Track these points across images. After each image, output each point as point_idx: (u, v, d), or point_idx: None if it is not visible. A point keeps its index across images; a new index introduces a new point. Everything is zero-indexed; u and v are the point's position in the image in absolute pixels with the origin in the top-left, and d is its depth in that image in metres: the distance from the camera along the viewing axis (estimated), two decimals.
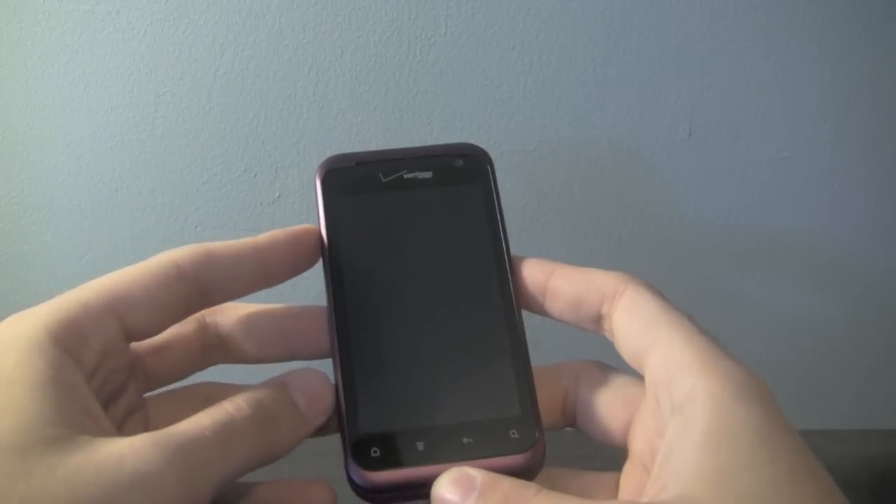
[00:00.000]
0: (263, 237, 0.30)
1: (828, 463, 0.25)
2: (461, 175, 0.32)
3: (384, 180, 0.32)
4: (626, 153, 0.55)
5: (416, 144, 0.53)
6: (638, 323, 0.28)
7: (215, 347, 0.32)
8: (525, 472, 0.28)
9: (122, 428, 0.29)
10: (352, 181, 0.32)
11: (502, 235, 0.32)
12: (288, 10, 0.50)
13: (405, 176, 0.32)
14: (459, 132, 0.53)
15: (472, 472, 0.26)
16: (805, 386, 0.62)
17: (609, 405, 0.30)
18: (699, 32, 0.51)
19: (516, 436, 0.28)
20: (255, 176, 0.55)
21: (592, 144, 0.54)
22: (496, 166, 0.33)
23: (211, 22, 0.51)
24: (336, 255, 0.31)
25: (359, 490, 0.28)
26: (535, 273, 0.31)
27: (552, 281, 0.30)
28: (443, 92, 0.53)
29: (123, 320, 0.28)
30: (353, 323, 0.30)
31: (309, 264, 0.32)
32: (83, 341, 0.26)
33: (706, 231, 0.57)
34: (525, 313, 0.31)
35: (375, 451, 0.28)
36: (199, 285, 0.29)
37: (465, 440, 0.28)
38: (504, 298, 0.31)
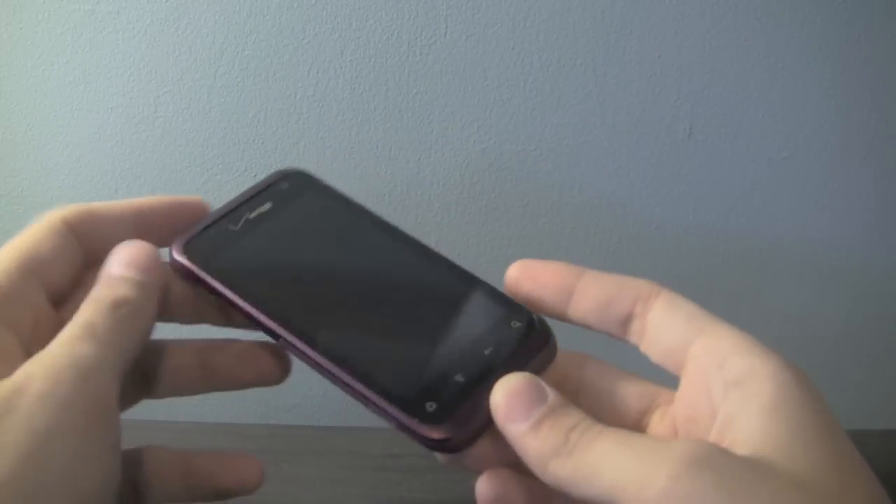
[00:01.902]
0: (147, 200, 0.31)
1: None
2: (294, 192, 0.34)
3: (236, 228, 0.32)
4: (626, 153, 0.55)
5: (410, 149, 0.54)
6: (681, 318, 0.29)
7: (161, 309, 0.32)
8: (550, 348, 0.29)
9: None
10: (211, 244, 0.32)
11: (367, 210, 0.33)
12: (288, 10, 0.50)
13: (250, 217, 0.33)
14: (459, 132, 0.53)
15: (544, 386, 0.27)
16: None
17: (622, 397, 0.30)
18: (699, 32, 0.51)
19: (518, 324, 0.29)
20: (255, 176, 0.55)
21: (592, 144, 0.54)
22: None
23: (211, 22, 0.51)
24: (257, 302, 0.31)
25: (440, 445, 0.27)
26: (562, 275, 0.31)
27: (581, 283, 0.30)
28: (443, 92, 0.53)
29: (41, 279, 0.28)
30: (320, 337, 0.30)
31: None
32: (15, 304, 0.27)
33: (706, 231, 0.57)
34: None
35: (431, 406, 0.28)
36: (85, 241, 0.30)
37: (486, 352, 0.29)
38: (412, 246, 0.32)
